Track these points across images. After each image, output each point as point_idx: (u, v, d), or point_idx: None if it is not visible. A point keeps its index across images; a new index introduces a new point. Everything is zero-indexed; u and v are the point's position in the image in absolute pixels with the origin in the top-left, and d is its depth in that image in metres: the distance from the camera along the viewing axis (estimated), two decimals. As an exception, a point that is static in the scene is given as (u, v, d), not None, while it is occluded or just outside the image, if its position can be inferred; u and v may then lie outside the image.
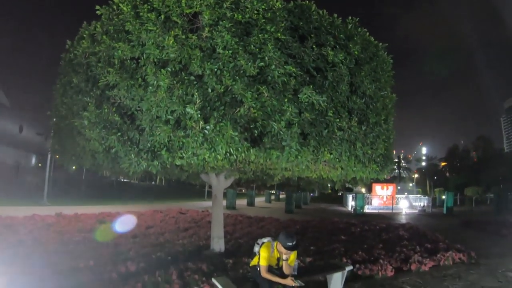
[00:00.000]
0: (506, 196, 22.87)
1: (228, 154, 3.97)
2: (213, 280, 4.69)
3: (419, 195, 33.96)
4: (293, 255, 4.44)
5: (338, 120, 4.52)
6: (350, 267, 5.83)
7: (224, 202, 23.37)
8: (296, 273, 4.73)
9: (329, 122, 4.44)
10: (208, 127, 3.90)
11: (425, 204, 27.46)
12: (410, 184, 76.40)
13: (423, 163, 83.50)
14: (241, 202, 27.96)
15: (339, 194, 58.21)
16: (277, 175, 6.60)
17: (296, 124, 4.10)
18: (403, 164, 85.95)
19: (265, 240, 4.51)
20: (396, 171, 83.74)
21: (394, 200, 29.65)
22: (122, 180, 59.90)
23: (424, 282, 6.31)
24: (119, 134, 4.69)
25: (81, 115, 4.87)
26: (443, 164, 78.30)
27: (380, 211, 27.30)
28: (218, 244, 7.75)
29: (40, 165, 33.04)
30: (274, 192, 41.28)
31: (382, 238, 10.70)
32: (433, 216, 21.85)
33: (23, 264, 5.64)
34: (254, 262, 4.58)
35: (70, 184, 29.01)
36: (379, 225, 13.97)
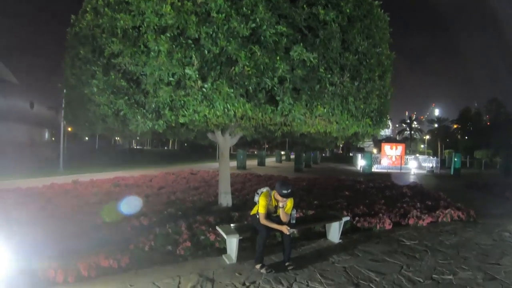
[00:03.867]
0: (514, 159, 22.72)
1: (226, 110, 4.30)
2: (217, 228, 5.18)
3: (428, 156, 34.00)
4: (289, 203, 4.83)
5: (329, 76, 4.77)
6: (347, 218, 6.30)
7: (235, 163, 24.20)
8: (294, 221, 5.12)
9: (320, 78, 4.69)
10: (206, 85, 4.21)
11: (434, 165, 27.60)
12: (422, 146, 76.11)
13: (435, 125, 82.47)
14: (252, 163, 28.70)
15: (350, 154, 58.63)
16: (278, 131, 6.93)
17: (288, 80, 4.38)
18: (415, 126, 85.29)
19: (263, 189, 4.90)
20: (408, 132, 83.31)
21: (403, 160, 29.83)
22: (136, 147, 61.01)
23: (419, 235, 6.66)
24: (126, 98, 5.07)
25: (90, 83, 5.26)
26: (455, 126, 77.27)
27: (389, 170, 27.54)
28: (225, 199, 8.23)
29: (53, 139, 33.74)
30: (284, 153, 41.49)
31: (385, 195, 11.09)
32: (440, 177, 22.12)
33: (45, 225, 6.14)
34: (254, 211, 5.01)
35: (84, 154, 29.82)
36: (384, 183, 14.38)
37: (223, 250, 5.36)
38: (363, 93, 5.34)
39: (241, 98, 4.31)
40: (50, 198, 8.89)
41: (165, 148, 68.93)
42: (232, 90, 4.18)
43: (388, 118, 6.29)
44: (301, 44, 4.43)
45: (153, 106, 4.80)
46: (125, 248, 5.12)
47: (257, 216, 4.82)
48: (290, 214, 4.99)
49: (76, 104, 6.52)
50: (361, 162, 27.12)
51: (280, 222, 4.78)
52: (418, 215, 7.73)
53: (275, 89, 4.37)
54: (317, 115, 4.98)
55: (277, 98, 4.41)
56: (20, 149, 25.02)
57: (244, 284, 4.31)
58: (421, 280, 4.53)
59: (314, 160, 33.90)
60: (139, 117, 4.89)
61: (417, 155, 40.45)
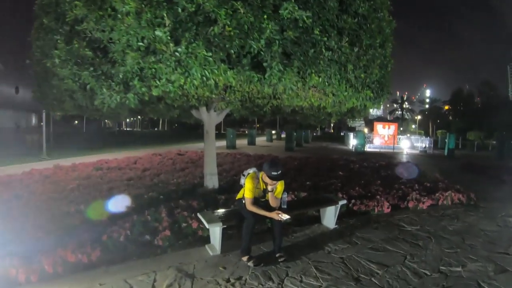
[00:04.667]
0: (508, 142, 22.33)
1: (204, 78, 3.62)
2: (199, 215, 4.60)
3: (421, 136, 33.74)
4: (279, 186, 4.23)
5: (326, 39, 4.08)
6: (344, 201, 5.74)
7: (225, 142, 23.56)
8: (285, 206, 4.57)
9: (315, 41, 4.00)
10: (179, 49, 3.51)
11: (427, 145, 27.27)
12: (413, 126, 76.25)
13: (426, 105, 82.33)
14: (243, 142, 27.96)
15: (341, 133, 58.44)
16: (266, 106, 6.25)
17: (278, 43, 3.69)
18: (406, 106, 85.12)
19: (250, 170, 4.30)
20: (399, 112, 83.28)
21: (395, 140, 29.52)
22: (126, 129, 60.00)
23: (420, 220, 6.16)
24: (91, 69, 4.36)
25: (53, 55, 4.55)
26: (446, 107, 77.38)
27: (381, 150, 27.27)
28: (211, 181, 7.66)
29: (42, 123, 32.66)
30: (275, 132, 40.79)
31: (380, 175, 10.60)
32: (434, 157, 21.71)
33: (14, 216, 5.53)
34: (240, 195, 4.42)
35: (71, 137, 28.87)
36: (379, 163, 13.87)
37: (207, 239, 4.79)
38: (363, 61, 4.68)
39: (222, 64, 3.62)
40: (27, 185, 8.23)
41: (155, 129, 67.61)
42: (210, 54, 3.49)
43: (389, 92, 5.66)
44: (292, 0, 3.75)
45: (121, 76, 4.11)
46: (97, 240, 4.56)
47: (243, 201, 4.24)
48: (281, 198, 4.44)
49: (42, 79, 5.87)
50: (353, 142, 26.73)
51: (270, 208, 4.20)
52: (417, 198, 7.22)
53: (262, 53, 3.67)
54: (310, 86, 4.32)
55: (264, 64, 3.73)
56: (4, 136, 23.94)
57: (228, 280, 3.75)
58: (428, 273, 4.01)
59: (305, 139, 33.36)
60: (104, 89, 4.20)
61: (409, 135, 40.17)
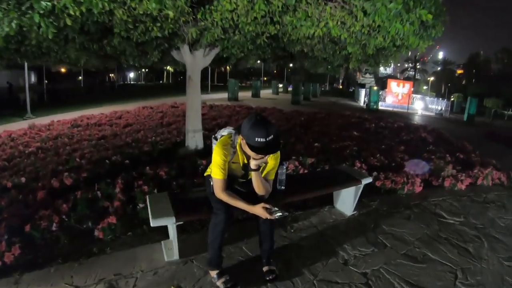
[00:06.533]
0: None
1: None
2: (147, 200, 3.04)
3: (437, 98, 31.51)
4: (272, 162, 2.60)
5: None
6: (369, 179, 3.99)
7: (226, 94, 21.74)
8: (282, 187, 3.03)
9: None
10: None
11: (443, 108, 25.12)
12: (424, 87, 73.40)
13: (439, 68, 78.93)
14: (246, 94, 25.75)
15: (351, 89, 56.22)
16: (262, 36, 4.37)
17: None
18: (419, 66, 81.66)
19: (224, 131, 2.65)
20: (410, 72, 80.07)
21: (410, 99, 27.54)
22: (129, 83, 58.16)
23: (462, 207, 4.58)
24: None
25: None
26: (459, 71, 74.05)
27: (394, 109, 25.43)
28: (193, 139, 6.15)
29: (46, 81, 30.86)
30: (282, 85, 38.37)
31: (402, 139, 8.92)
32: (452, 122, 19.45)
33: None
34: (209, 170, 2.80)
35: (68, 94, 27.28)
36: (397, 123, 12.07)
37: (167, 231, 3.28)
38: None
39: None
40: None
41: (160, 82, 65.11)
42: None
43: (443, 29, 3.88)
44: None
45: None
46: (18, 231, 3.17)
47: (211, 183, 2.66)
48: (277, 179, 2.92)
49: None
50: (365, 98, 24.80)
51: (253, 196, 2.60)
52: (454, 175, 5.59)
53: None
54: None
55: None
56: None
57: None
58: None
59: (313, 93, 31.00)
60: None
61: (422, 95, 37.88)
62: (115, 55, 6.05)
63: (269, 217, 2.40)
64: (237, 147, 2.51)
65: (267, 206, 2.43)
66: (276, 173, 2.78)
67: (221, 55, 6.12)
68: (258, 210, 2.44)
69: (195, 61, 5.85)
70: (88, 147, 6.60)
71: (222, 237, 2.53)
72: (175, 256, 2.91)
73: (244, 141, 2.35)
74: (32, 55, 5.43)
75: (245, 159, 2.54)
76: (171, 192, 3.20)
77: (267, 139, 2.23)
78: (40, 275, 2.73)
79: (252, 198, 2.55)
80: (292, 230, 3.56)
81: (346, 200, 4.01)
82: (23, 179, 4.65)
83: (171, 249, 2.93)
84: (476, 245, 3.52)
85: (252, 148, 2.29)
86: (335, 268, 2.92)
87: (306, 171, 5.17)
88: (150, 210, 2.75)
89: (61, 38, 4.33)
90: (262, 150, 2.29)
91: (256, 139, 2.23)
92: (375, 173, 5.12)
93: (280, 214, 2.40)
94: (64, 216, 3.53)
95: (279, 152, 2.55)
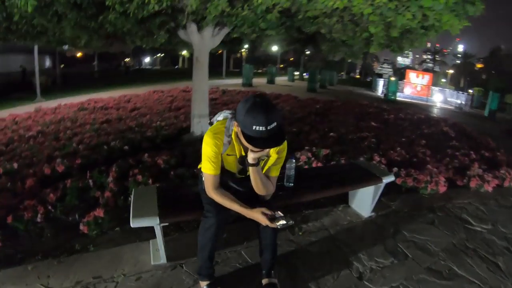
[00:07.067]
0: None
1: None
2: (131, 196, 2.66)
3: (457, 91, 30.49)
4: (275, 154, 2.10)
5: None
6: (392, 178, 3.48)
7: (241, 80, 21.31)
8: (291, 184, 2.65)
9: None
10: None
11: (463, 102, 24.13)
12: (443, 80, 71.68)
13: (458, 61, 77.08)
14: (262, 81, 25.23)
15: (368, 79, 55.37)
16: (274, 10, 3.86)
17: None
18: (438, 58, 79.77)
19: (220, 116, 2.21)
20: (429, 64, 78.33)
21: (429, 91, 26.76)
22: (144, 67, 58.17)
23: (489, 212, 4.08)
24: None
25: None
26: (478, 66, 71.83)
27: (413, 100, 24.61)
28: (199, 125, 5.81)
29: (62, 66, 30.83)
30: (298, 73, 37.69)
31: (423, 132, 8.34)
32: (473, 116, 18.55)
33: None
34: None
35: (81, 78, 27.34)
36: (417, 115, 11.47)
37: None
38: None
39: None
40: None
41: (176, 67, 64.69)
42: None
43: (483, 6, 3.37)
44: None
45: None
46: (1, 222, 2.94)
47: (203, 178, 2.23)
48: (285, 174, 2.56)
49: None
50: (384, 88, 24.15)
51: (253, 196, 2.20)
52: (480, 175, 5.04)
53: None
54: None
55: None
56: (8, 80, 22.23)
57: None
58: None
59: (330, 81, 30.12)
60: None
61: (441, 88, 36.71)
62: (118, 35, 5.69)
63: (269, 224, 1.96)
64: (233, 136, 2.06)
65: (268, 212, 1.99)
66: (284, 167, 2.36)
67: (232, 36, 5.70)
68: (257, 215, 2.00)
69: (203, 41, 5.46)
70: (89, 131, 6.32)
71: (214, 243, 2.13)
72: (162, 259, 2.54)
73: (239, 128, 1.89)
74: (27, 34, 5.12)
75: (243, 150, 2.10)
76: (160, 186, 2.82)
77: (268, 128, 1.76)
78: (17, 272, 2.45)
79: (252, 198, 2.14)
80: (300, 233, 3.16)
81: (364, 200, 3.58)
82: (15, 165, 4.38)
83: (158, 251, 2.56)
84: (506, 258, 3.06)
85: (248, 138, 1.84)
86: (348, 284, 2.50)
87: (319, 164, 4.74)
88: (132, 207, 2.37)
89: (51, 14, 3.98)
90: (261, 142, 1.83)
91: (254, 127, 1.77)
92: (395, 169, 4.68)
93: (284, 222, 1.96)
94: (50, 207, 3.23)
95: (285, 143, 2.10)
